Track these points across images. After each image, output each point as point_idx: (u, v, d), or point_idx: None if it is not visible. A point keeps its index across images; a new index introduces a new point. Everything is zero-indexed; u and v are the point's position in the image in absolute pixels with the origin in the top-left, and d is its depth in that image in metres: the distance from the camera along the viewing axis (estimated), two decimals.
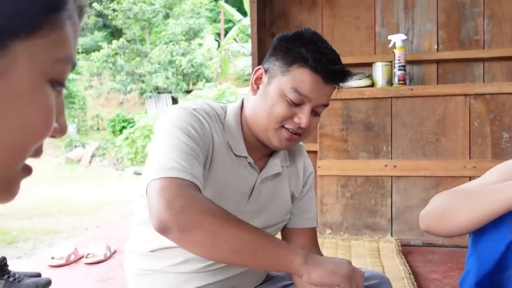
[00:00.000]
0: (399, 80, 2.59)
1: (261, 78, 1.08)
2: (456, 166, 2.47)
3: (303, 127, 1.03)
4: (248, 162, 1.11)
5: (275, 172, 1.15)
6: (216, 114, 1.10)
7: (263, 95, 1.06)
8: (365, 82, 2.64)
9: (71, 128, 13.46)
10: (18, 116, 0.36)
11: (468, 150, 2.48)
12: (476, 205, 1.04)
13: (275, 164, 1.15)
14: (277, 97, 1.03)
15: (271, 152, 1.16)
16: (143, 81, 13.23)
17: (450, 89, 2.50)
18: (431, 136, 2.53)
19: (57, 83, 0.39)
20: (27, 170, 0.41)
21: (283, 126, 1.05)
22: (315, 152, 2.71)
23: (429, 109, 2.53)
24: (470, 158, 2.48)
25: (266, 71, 1.07)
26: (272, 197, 1.15)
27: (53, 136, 0.42)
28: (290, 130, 1.04)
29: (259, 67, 1.10)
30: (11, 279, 1.85)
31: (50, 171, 9.93)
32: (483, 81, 2.71)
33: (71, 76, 14.13)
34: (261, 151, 1.13)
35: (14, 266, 2.05)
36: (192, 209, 0.84)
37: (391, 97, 2.57)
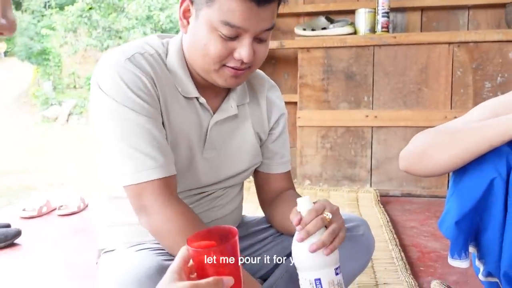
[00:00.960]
0: (382, 27, 2.51)
1: (190, 10, 0.93)
2: (437, 116, 2.43)
3: (246, 61, 0.90)
4: (200, 103, 1.00)
5: (229, 115, 1.03)
6: (157, 53, 0.97)
7: (194, 33, 0.92)
8: (347, 29, 2.54)
9: (47, 86, 13.10)
10: None
11: (450, 100, 2.45)
12: (458, 143, 1.00)
13: (230, 106, 1.03)
14: (207, 34, 0.88)
15: (228, 89, 1.04)
16: (120, 37, 12.83)
17: (434, 37, 2.43)
18: (413, 86, 2.48)
19: None
20: None
21: (224, 65, 0.92)
22: (295, 103, 2.64)
23: (412, 57, 2.47)
24: (451, 108, 2.45)
25: (192, 2, 0.91)
26: (233, 141, 1.05)
27: (0, 34, 0.39)
28: (233, 67, 0.92)
29: None
30: None
31: (26, 129, 9.70)
32: (468, 30, 2.64)
33: (44, 32, 13.59)
34: (214, 88, 1.00)
35: None
36: (154, 227, 0.92)
37: (374, 45, 2.49)
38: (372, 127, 2.53)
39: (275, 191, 1.13)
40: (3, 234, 1.81)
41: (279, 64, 2.95)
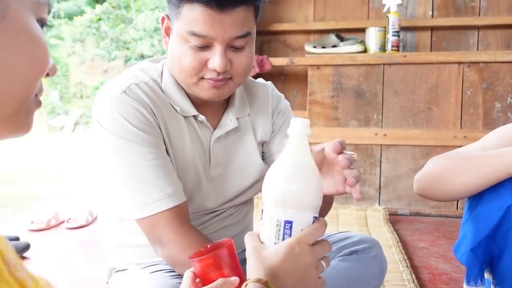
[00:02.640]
0: (392, 46, 2.52)
1: (170, 27, 0.94)
2: (446, 135, 2.43)
3: (219, 71, 0.88)
4: (199, 121, 0.99)
5: (229, 129, 1.02)
6: (152, 79, 0.97)
7: (170, 48, 0.93)
8: (357, 47, 2.56)
9: (54, 95, 13.19)
10: (24, 50, 0.41)
11: (460, 119, 2.45)
12: (475, 169, 0.99)
13: (230, 119, 1.02)
14: (180, 47, 0.89)
15: (227, 103, 1.03)
16: (128, 48, 12.94)
17: (444, 56, 2.44)
18: (422, 105, 2.48)
19: (42, 22, 0.45)
20: (39, 103, 0.47)
21: (203, 78, 0.91)
22: None
23: (421, 77, 2.47)
24: (461, 128, 2.44)
25: (169, 18, 0.93)
26: (237, 155, 1.04)
27: (47, 75, 0.46)
28: (211, 79, 0.90)
29: (163, 15, 0.95)
30: None
31: (31, 138, 9.75)
32: (477, 50, 2.65)
33: (53, 42, 13.74)
34: (212, 104, 0.99)
35: None
36: (171, 257, 0.93)
37: (384, 64, 2.50)
38: (381, 145, 2.53)
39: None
40: (12, 247, 1.81)
41: (288, 80, 2.96)
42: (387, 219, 2.32)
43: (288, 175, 0.65)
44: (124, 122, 0.89)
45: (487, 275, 1.05)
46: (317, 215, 0.66)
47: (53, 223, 2.26)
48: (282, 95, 1.15)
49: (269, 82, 1.14)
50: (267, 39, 2.94)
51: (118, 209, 1.02)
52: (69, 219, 2.30)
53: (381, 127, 2.52)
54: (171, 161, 0.95)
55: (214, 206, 1.04)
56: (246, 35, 0.90)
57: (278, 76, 2.94)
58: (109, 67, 14.21)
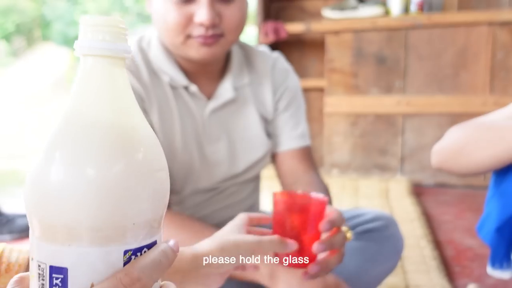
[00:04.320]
0: (416, 7, 2.35)
1: None
2: (475, 101, 2.28)
3: (206, 24, 0.81)
4: (191, 92, 0.91)
5: (226, 99, 0.93)
6: (140, 49, 0.91)
7: (154, 9, 0.86)
8: (378, 10, 2.40)
9: None
10: None
11: (489, 84, 2.29)
12: (502, 141, 0.89)
13: (226, 89, 0.93)
14: (163, 4, 0.82)
15: (223, 71, 0.95)
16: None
17: (473, 16, 2.26)
18: (449, 70, 2.33)
19: None
20: None
21: (190, 36, 0.84)
22: (322, 89, 2.53)
23: (448, 39, 2.31)
24: (490, 93, 2.29)
25: None
26: (236, 129, 0.96)
27: None
28: (199, 36, 0.83)
29: None
30: (3, 219, 1.78)
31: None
32: (510, 8, 2.45)
33: (78, 18, 13.83)
34: (206, 72, 0.92)
35: (6, 207, 1.98)
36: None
37: (407, 28, 2.34)
38: (404, 114, 2.40)
39: (292, 173, 0.99)
40: (27, 225, 1.81)
41: (305, 47, 2.83)
42: (410, 191, 2.22)
43: (57, 151, 0.31)
44: None
45: None
46: (144, 243, 0.33)
47: None
48: (291, 69, 1.04)
49: (276, 53, 1.04)
50: (282, 6, 2.80)
51: None
52: None
53: (404, 94, 2.39)
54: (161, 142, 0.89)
55: (214, 182, 0.97)
56: None
57: (294, 43, 2.81)
58: None
